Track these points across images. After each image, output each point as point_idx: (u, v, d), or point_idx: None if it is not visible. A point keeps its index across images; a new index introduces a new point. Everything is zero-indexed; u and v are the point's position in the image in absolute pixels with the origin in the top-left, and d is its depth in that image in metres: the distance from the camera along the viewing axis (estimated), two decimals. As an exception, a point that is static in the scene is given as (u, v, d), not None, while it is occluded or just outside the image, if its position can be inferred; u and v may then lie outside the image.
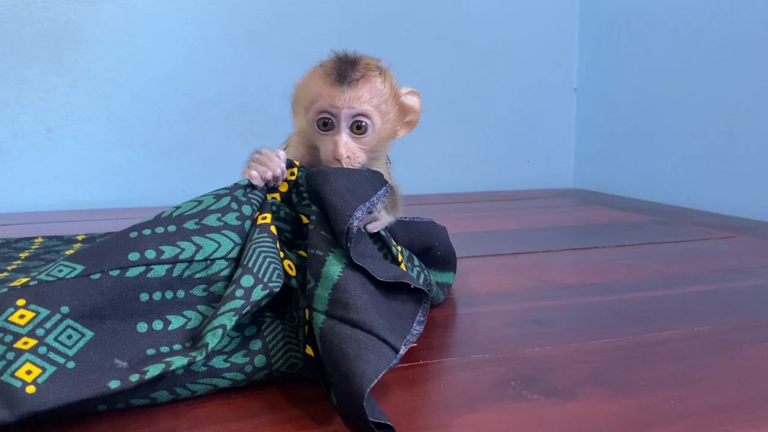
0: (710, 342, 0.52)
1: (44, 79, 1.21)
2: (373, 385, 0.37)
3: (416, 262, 0.57)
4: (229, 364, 0.43)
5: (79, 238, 0.89)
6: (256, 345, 0.44)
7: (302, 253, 0.49)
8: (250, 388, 0.44)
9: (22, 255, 0.79)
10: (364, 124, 0.52)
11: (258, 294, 0.42)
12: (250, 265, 0.44)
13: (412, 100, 0.57)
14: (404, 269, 0.52)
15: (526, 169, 1.56)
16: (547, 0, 1.51)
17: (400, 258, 0.52)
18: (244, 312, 0.41)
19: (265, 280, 0.43)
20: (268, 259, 0.44)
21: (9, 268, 0.72)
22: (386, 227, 0.53)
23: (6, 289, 0.40)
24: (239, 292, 0.42)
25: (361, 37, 1.37)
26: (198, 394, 0.42)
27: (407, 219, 0.58)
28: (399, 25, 1.41)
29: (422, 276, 0.56)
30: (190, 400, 0.42)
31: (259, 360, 0.44)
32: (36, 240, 0.88)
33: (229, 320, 0.41)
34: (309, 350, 0.44)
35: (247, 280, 0.43)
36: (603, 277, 0.73)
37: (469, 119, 1.49)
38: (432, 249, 0.60)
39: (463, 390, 0.44)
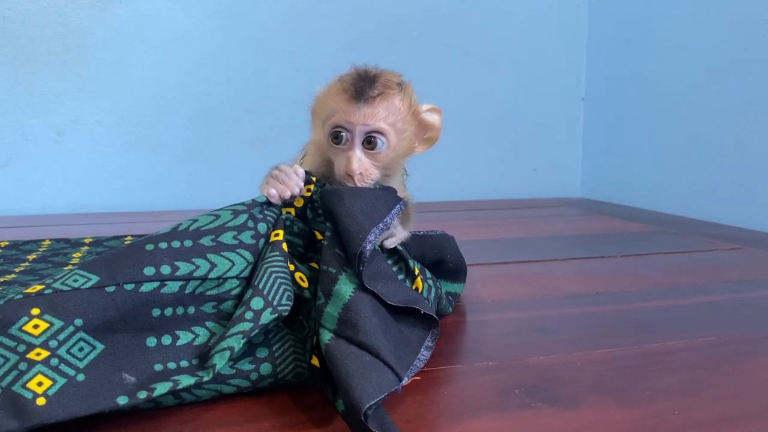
0: (715, 353, 0.52)
1: (54, 83, 1.22)
2: (372, 403, 0.37)
3: (428, 275, 0.57)
4: (234, 371, 0.43)
5: (87, 241, 0.90)
6: (263, 353, 0.44)
7: (314, 265, 0.50)
8: (255, 393, 0.44)
9: (30, 257, 0.80)
10: (375, 140, 0.52)
11: (267, 318, 0.43)
12: (261, 286, 0.44)
13: (432, 118, 0.56)
14: (420, 284, 0.52)
15: (533, 177, 1.56)
16: (555, 9, 1.52)
17: (416, 272, 0.52)
18: (252, 335, 0.42)
19: (275, 303, 0.43)
20: (279, 281, 0.45)
21: (17, 270, 0.73)
22: (402, 241, 0.53)
23: (21, 296, 0.40)
24: (249, 315, 0.42)
25: (369, 43, 1.38)
26: (203, 399, 0.43)
27: (420, 233, 0.58)
28: (407, 33, 1.41)
29: (433, 291, 0.56)
30: (195, 404, 0.42)
31: (265, 368, 0.44)
32: (44, 242, 0.89)
33: (237, 343, 0.41)
34: (315, 361, 0.45)
35: (257, 303, 0.43)
36: (608, 286, 0.73)
37: (477, 127, 1.49)
38: (444, 261, 0.60)
39: (467, 397, 0.44)
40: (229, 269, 0.45)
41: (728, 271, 0.80)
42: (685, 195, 1.28)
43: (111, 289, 0.41)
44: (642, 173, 1.40)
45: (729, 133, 1.18)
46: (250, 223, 0.47)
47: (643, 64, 1.38)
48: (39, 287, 0.40)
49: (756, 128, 1.13)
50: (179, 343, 0.43)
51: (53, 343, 0.38)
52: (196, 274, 0.44)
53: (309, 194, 0.52)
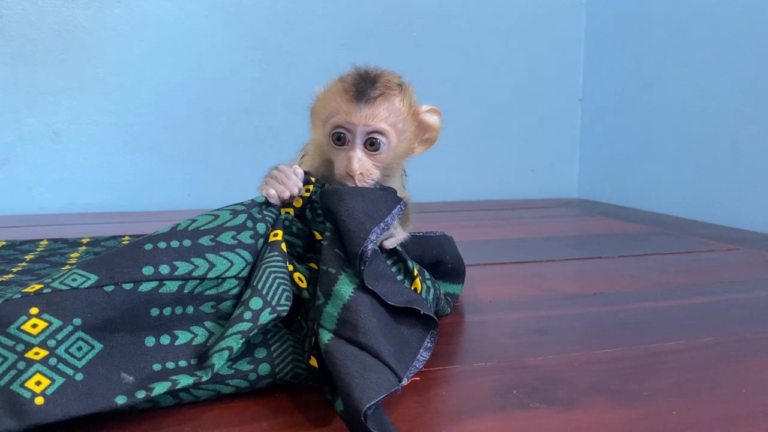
0: (713, 353, 0.52)
1: (52, 83, 1.21)
2: (372, 404, 0.37)
3: (427, 276, 0.57)
4: (233, 371, 0.43)
5: (84, 241, 0.90)
6: (261, 353, 0.44)
7: (313, 265, 0.50)
8: (253, 393, 0.44)
9: (27, 257, 0.80)
10: (377, 141, 0.52)
11: (265, 317, 0.43)
12: (259, 286, 0.44)
13: (431, 118, 0.56)
14: (419, 284, 0.52)
15: (531, 178, 1.56)
16: (552, 10, 1.52)
17: (415, 273, 0.52)
18: (251, 335, 0.42)
19: (273, 303, 0.43)
20: (278, 281, 0.45)
21: (14, 270, 0.73)
22: (401, 242, 0.53)
23: (20, 295, 0.40)
24: (247, 315, 0.42)
25: (367, 44, 1.38)
26: (201, 399, 0.43)
27: (420, 234, 0.59)
28: (406, 33, 1.42)
29: (432, 291, 0.56)
30: (193, 404, 0.42)
31: (263, 368, 0.44)
32: (41, 242, 0.89)
33: (236, 342, 0.41)
34: (313, 361, 0.44)
35: (255, 303, 0.43)
36: (606, 287, 0.73)
37: (475, 128, 1.49)
38: (443, 262, 0.60)
39: (465, 398, 0.44)
40: (228, 269, 0.45)
41: (725, 272, 0.81)
42: (682, 196, 1.28)
43: (110, 288, 0.41)
44: (639, 174, 1.40)
45: (725, 134, 1.19)
46: (249, 223, 0.47)
47: (641, 65, 1.39)
48: (38, 286, 0.40)
49: (752, 130, 1.13)
50: (178, 342, 0.43)
51: (52, 343, 0.38)
52: (194, 273, 0.44)
53: (308, 194, 0.52)
